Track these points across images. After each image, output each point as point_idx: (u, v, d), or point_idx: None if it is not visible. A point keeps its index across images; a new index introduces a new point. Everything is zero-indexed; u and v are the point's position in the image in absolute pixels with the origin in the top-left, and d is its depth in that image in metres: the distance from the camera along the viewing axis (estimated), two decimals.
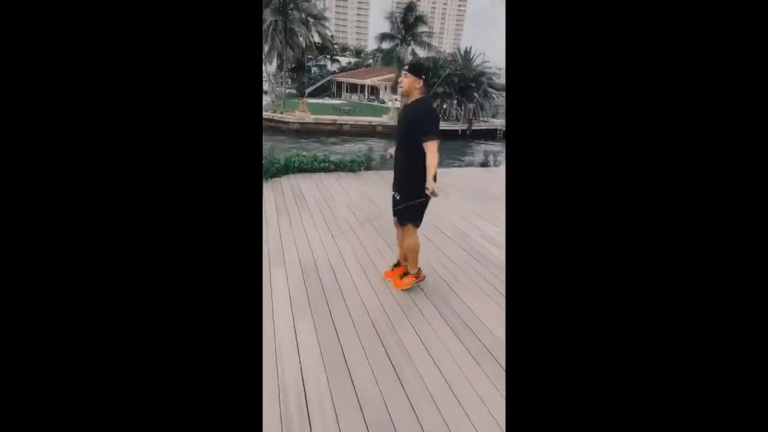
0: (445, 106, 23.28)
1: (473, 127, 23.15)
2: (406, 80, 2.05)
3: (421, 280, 2.49)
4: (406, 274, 2.46)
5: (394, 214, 2.30)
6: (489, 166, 7.06)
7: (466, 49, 24.68)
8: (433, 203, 2.20)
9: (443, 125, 20.16)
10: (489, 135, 23.43)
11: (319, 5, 27.12)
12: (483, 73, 23.77)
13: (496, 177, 5.80)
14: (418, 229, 2.28)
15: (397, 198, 2.22)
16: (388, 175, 5.31)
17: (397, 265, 2.57)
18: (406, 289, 2.40)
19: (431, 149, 1.95)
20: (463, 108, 23.29)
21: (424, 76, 2.05)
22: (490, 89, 23.71)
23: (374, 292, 2.39)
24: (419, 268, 2.48)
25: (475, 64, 23.92)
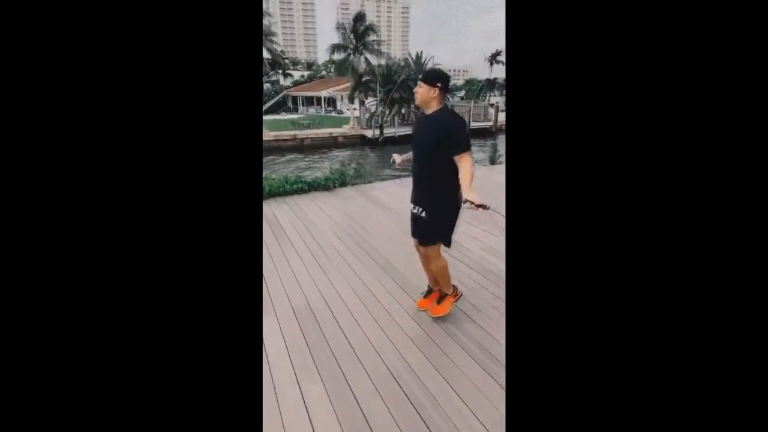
0: (403, 111, 23.44)
1: None
2: (420, 90, 1.87)
3: (459, 299, 2.27)
4: (442, 297, 2.22)
5: (418, 234, 2.07)
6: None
7: (417, 53, 25.07)
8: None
9: (407, 130, 20.39)
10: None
11: (265, 21, 26.64)
12: None
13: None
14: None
15: (423, 216, 1.98)
16: (366, 189, 5.14)
17: (429, 292, 2.32)
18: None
19: (466, 161, 1.78)
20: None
21: (440, 84, 1.83)
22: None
23: (387, 337, 2.09)
24: (454, 286, 2.25)
25: (428, 68, 24.34)
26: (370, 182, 5.59)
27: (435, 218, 1.96)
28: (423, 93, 1.86)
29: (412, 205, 2.07)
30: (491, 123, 24.67)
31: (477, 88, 35.11)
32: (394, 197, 4.73)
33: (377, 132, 20.60)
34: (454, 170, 1.82)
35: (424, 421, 1.53)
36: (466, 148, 1.80)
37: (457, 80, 48.36)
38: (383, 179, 6.00)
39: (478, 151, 12.57)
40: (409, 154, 2.19)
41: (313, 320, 2.20)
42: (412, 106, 23.16)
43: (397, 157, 2.30)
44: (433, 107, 1.88)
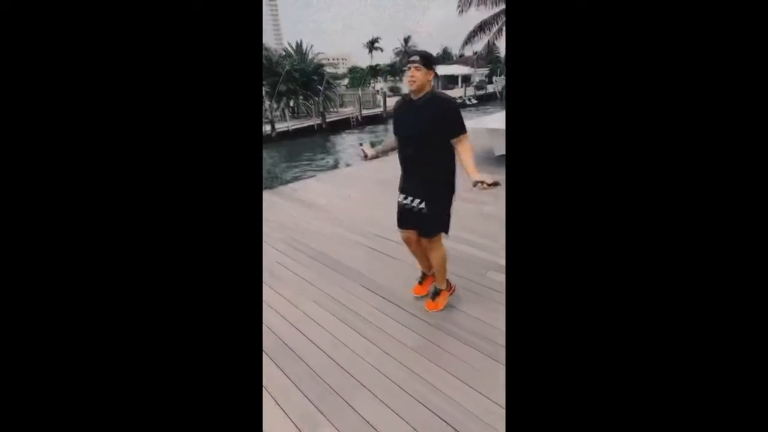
0: (291, 103, 22.45)
1: (327, 119, 23.10)
2: (419, 73, 1.72)
3: (453, 293, 2.23)
4: (437, 292, 2.15)
5: (416, 226, 1.95)
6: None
7: (297, 43, 24.05)
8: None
9: (297, 123, 19.55)
10: (344, 125, 23.76)
11: None
12: (321, 65, 23.70)
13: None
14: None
15: (421, 206, 1.87)
16: (288, 192, 4.71)
17: (424, 277, 2.29)
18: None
19: (465, 144, 1.77)
20: (312, 102, 22.89)
21: (434, 67, 1.76)
22: (332, 80, 23.89)
23: (380, 348, 1.91)
24: (448, 280, 2.19)
25: (309, 57, 23.61)
26: (287, 183, 5.16)
27: (436, 209, 1.87)
28: (422, 77, 1.73)
29: (402, 196, 1.95)
30: (381, 109, 25.34)
31: (360, 76, 35.58)
32: (322, 195, 4.45)
33: (268, 128, 19.32)
34: (449, 155, 1.80)
35: (448, 423, 1.44)
36: (464, 129, 1.76)
37: (338, 69, 48.20)
38: (299, 178, 5.62)
39: (371, 138, 12.73)
40: (386, 145, 2.04)
41: (290, 354, 1.89)
42: (300, 97, 22.34)
43: (368, 149, 2.08)
44: (426, 90, 1.77)
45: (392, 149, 2.08)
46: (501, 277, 2.43)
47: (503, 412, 1.47)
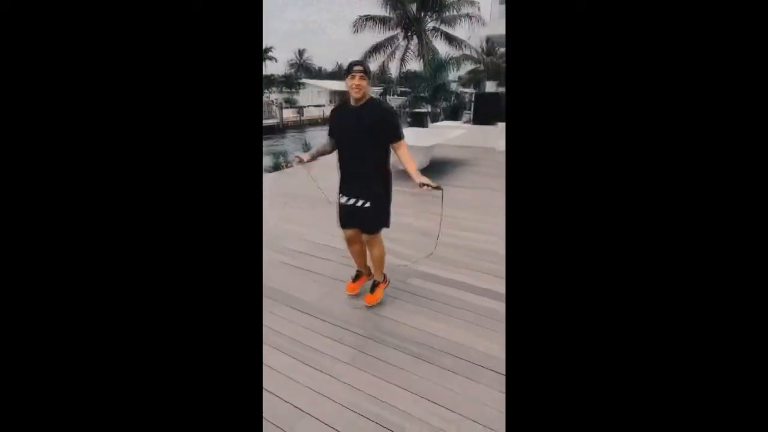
0: None
1: None
2: (363, 83, 1.84)
3: (388, 285, 2.39)
4: (375, 285, 2.31)
5: (359, 224, 2.10)
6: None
7: None
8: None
9: None
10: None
11: None
12: None
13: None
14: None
15: (366, 205, 2.02)
16: None
17: (358, 276, 2.43)
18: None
19: (404, 150, 1.95)
20: None
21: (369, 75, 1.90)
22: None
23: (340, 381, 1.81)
24: (384, 274, 2.35)
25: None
26: None
27: (379, 207, 2.04)
28: (363, 86, 1.85)
29: (345, 197, 2.07)
30: (277, 120, 24.49)
31: None
32: None
33: None
34: (386, 157, 1.99)
35: None
36: (402, 135, 1.95)
37: None
38: None
39: (268, 151, 12.23)
40: (319, 149, 2.09)
41: None
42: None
43: (305, 155, 2.08)
44: (365, 99, 1.90)
45: (324, 153, 2.15)
46: (424, 283, 2.57)
47: (447, 413, 1.55)
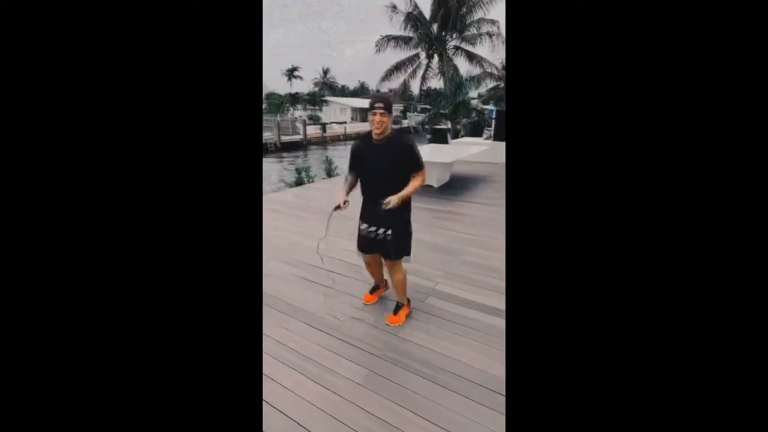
0: None
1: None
2: (385, 119, 1.91)
3: (411, 311, 2.38)
4: (398, 307, 2.33)
5: (380, 250, 2.17)
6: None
7: None
8: None
9: None
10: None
11: None
12: None
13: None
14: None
15: (387, 233, 2.09)
16: None
17: (376, 288, 2.53)
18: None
19: (419, 177, 2.03)
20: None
21: (391, 111, 1.95)
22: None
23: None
24: (408, 299, 2.38)
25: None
26: None
27: (401, 236, 2.11)
28: (385, 122, 1.92)
29: (365, 225, 2.14)
30: (301, 137, 25.11)
31: (279, 102, 35.05)
32: None
33: None
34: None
35: None
36: (422, 166, 2.03)
37: None
38: None
39: (292, 166, 12.50)
40: (348, 185, 2.11)
41: None
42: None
43: (344, 202, 2.07)
44: (386, 134, 1.96)
45: (352, 187, 2.16)
46: (444, 304, 2.50)
47: None
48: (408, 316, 2.34)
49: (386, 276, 2.39)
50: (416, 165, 2.01)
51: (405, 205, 2.07)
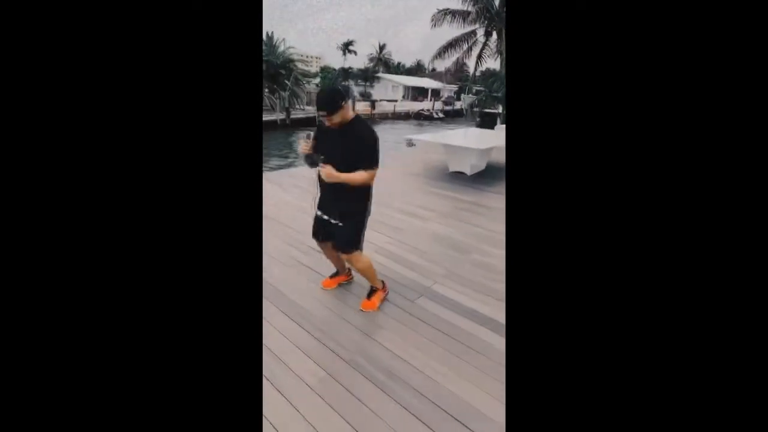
0: None
1: (291, 116, 22.41)
2: (335, 118, 1.74)
3: (387, 294, 2.28)
4: (372, 291, 2.22)
5: (331, 239, 2.06)
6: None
7: (268, 34, 23.19)
8: None
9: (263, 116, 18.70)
10: (308, 123, 23.14)
11: None
12: (291, 60, 23.05)
13: None
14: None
15: (340, 225, 1.97)
16: None
17: (336, 274, 2.40)
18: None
19: (369, 172, 1.82)
20: (277, 97, 22.11)
21: (343, 102, 1.74)
22: (300, 76, 23.28)
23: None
24: (382, 281, 2.28)
25: (279, 50, 22.81)
26: None
27: (350, 228, 1.96)
28: (337, 117, 1.74)
29: (320, 211, 2.04)
30: None
31: (332, 76, 35.14)
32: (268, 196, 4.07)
33: None
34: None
35: None
36: (375, 164, 1.83)
37: (310, 67, 47.36)
38: None
39: None
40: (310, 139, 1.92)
41: None
42: (265, 90, 21.58)
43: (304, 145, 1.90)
44: (349, 118, 1.81)
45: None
46: (431, 305, 2.23)
47: None
48: (384, 300, 2.24)
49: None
50: (366, 161, 1.80)
51: (359, 195, 1.90)
